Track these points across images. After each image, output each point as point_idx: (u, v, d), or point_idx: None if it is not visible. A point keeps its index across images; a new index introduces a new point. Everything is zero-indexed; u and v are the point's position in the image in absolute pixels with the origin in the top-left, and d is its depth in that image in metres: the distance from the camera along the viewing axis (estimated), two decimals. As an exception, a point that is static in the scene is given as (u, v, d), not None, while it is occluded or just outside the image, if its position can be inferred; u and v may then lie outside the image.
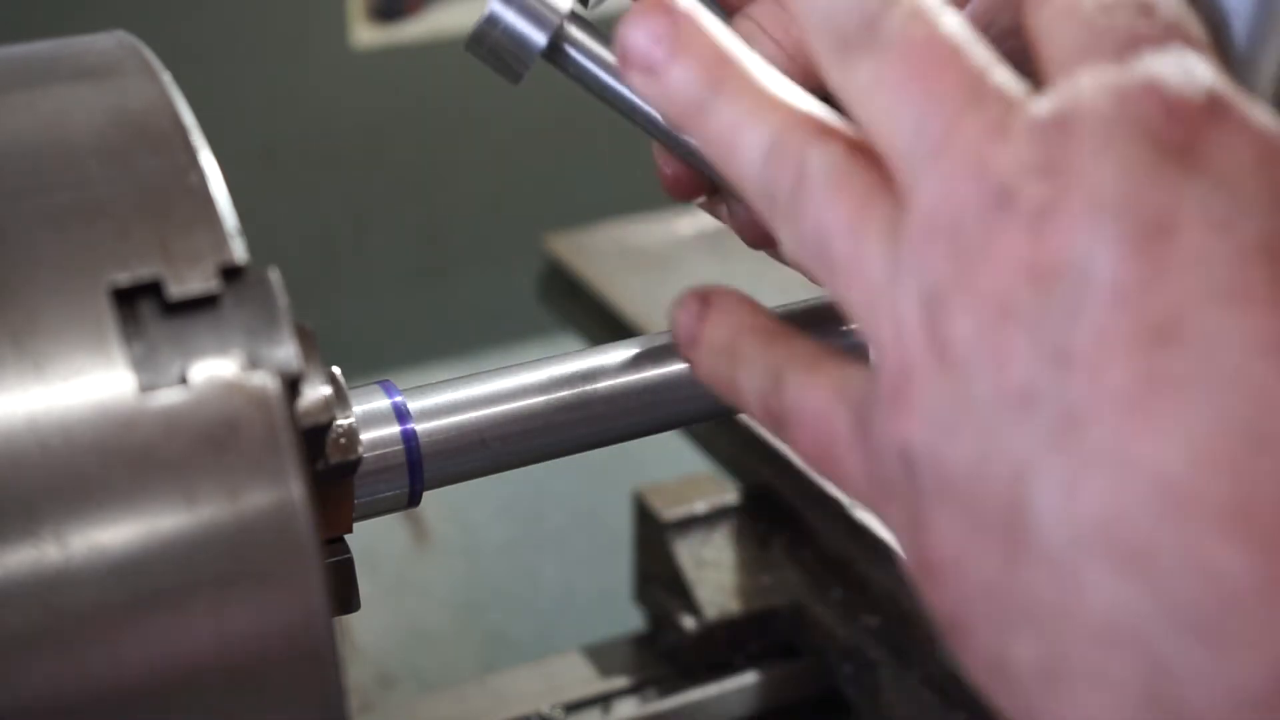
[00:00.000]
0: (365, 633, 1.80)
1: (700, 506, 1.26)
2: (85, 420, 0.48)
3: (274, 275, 0.51)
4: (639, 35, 0.51)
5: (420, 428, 0.69)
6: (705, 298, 0.58)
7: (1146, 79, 0.45)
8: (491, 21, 0.70)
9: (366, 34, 2.70)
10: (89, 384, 0.48)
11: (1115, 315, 0.42)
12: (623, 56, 0.52)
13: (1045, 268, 0.44)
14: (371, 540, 1.85)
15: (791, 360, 0.53)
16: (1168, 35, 0.47)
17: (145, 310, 0.50)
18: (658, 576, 1.28)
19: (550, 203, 2.84)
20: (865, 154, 0.49)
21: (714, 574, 1.25)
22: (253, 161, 2.65)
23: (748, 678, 1.24)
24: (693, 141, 0.73)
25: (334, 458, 0.64)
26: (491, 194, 2.86)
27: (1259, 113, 0.44)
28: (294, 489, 0.48)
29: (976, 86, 0.47)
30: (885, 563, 1.12)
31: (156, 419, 0.48)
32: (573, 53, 0.72)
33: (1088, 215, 0.43)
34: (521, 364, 0.73)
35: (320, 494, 0.54)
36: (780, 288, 1.49)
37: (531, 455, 0.73)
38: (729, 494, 1.26)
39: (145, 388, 0.48)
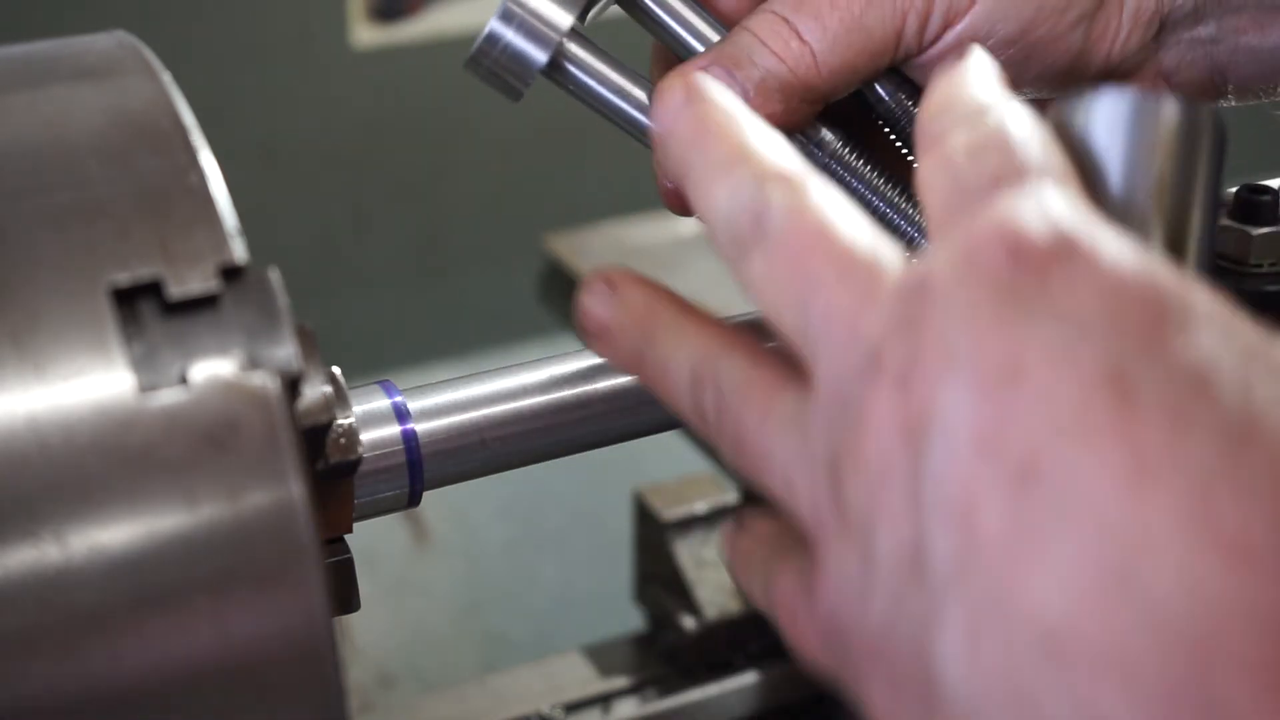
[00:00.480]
0: (365, 633, 1.80)
1: (700, 506, 1.26)
2: (85, 420, 0.48)
3: (274, 275, 0.51)
4: (591, 300, 0.59)
5: (420, 428, 0.69)
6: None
7: (996, 226, 0.46)
8: (491, 40, 0.70)
9: (366, 34, 2.70)
10: (89, 384, 0.48)
11: (978, 463, 0.43)
12: (581, 326, 0.59)
13: (913, 425, 0.45)
14: (371, 540, 1.85)
15: (769, 549, 0.57)
16: (1028, 173, 0.49)
17: (145, 310, 0.50)
18: (658, 576, 1.28)
19: (550, 203, 2.84)
20: (769, 355, 0.53)
21: (714, 574, 1.25)
22: (253, 161, 2.65)
23: (748, 678, 1.24)
24: None
25: (334, 458, 0.64)
26: (491, 194, 2.86)
27: (1111, 243, 0.45)
28: (294, 489, 0.48)
29: (845, 262, 0.49)
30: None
31: (156, 419, 0.48)
32: (573, 70, 0.72)
33: (942, 368, 0.45)
34: (521, 364, 0.73)
35: (320, 494, 0.54)
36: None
37: (531, 455, 0.73)
38: (729, 494, 1.26)
39: (145, 388, 0.48)
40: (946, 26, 0.71)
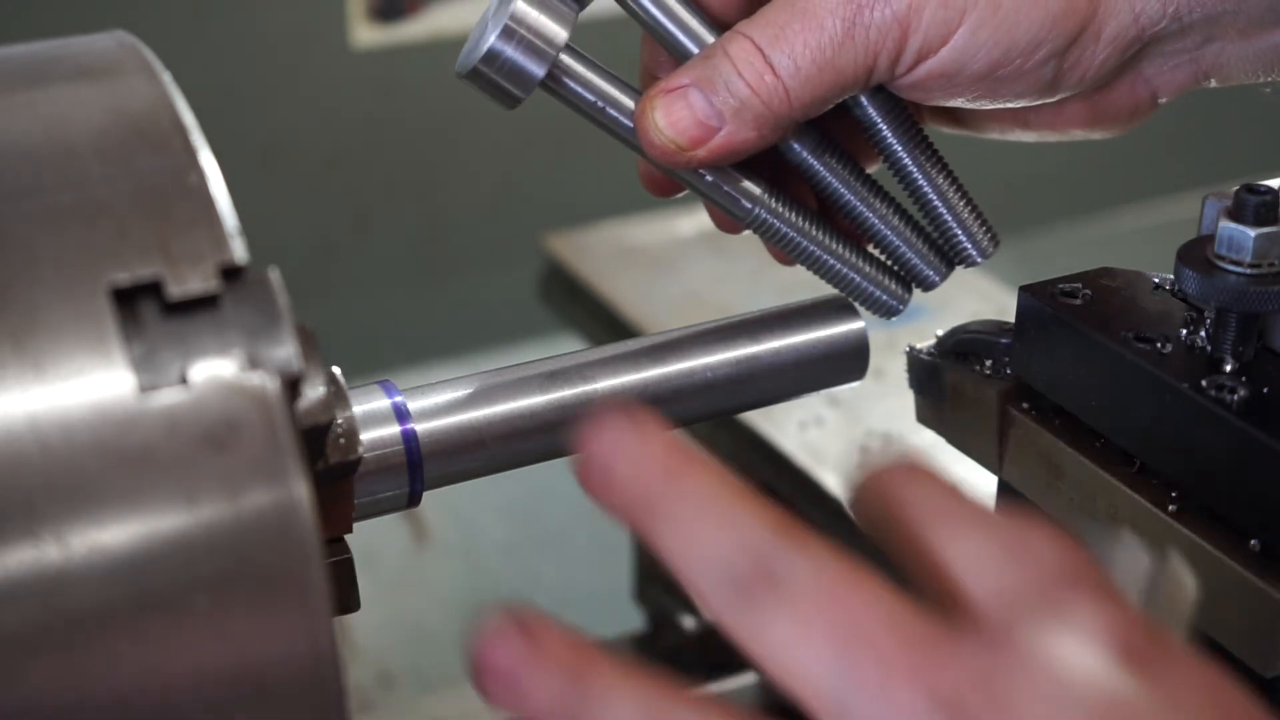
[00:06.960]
0: (365, 633, 1.80)
1: (700, 506, 1.26)
2: (85, 420, 0.47)
3: (274, 275, 0.51)
4: (497, 654, 0.47)
5: (420, 428, 0.69)
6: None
7: (1089, 610, 0.46)
8: (491, 57, 0.72)
9: (366, 34, 2.70)
10: (89, 384, 0.48)
11: None
12: (480, 675, 0.47)
13: None
14: (371, 540, 1.85)
15: None
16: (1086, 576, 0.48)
17: (145, 310, 0.50)
18: (658, 576, 1.28)
19: (550, 203, 2.84)
20: (717, 707, 0.47)
21: (714, 574, 1.25)
22: (253, 161, 2.65)
23: (748, 678, 1.24)
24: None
25: (334, 458, 0.64)
26: (491, 194, 2.86)
27: (1191, 653, 0.46)
28: (294, 489, 0.48)
29: (893, 620, 0.47)
30: (884, 563, 1.12)
31: (156, 419, 0.48)
32: (567, 81, 0.75)
33: (1050, 708, 0.44)
34: (521, 364, 0.73)
35: (320, 494, 0.54)
36: (780, 287, 1.49)
37: (532, 455, 0.73)
38: (729, 494, 1.26)
39: (145, 388, 0.48)
40: (919, 62, 0.72)
